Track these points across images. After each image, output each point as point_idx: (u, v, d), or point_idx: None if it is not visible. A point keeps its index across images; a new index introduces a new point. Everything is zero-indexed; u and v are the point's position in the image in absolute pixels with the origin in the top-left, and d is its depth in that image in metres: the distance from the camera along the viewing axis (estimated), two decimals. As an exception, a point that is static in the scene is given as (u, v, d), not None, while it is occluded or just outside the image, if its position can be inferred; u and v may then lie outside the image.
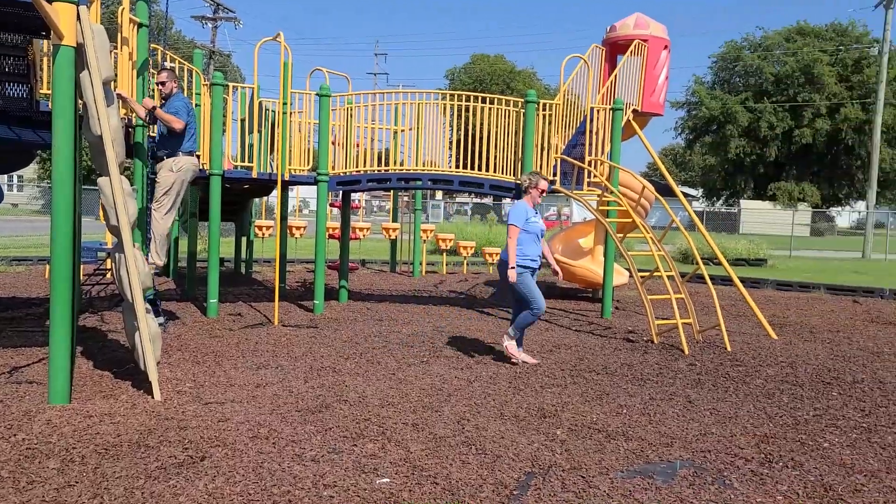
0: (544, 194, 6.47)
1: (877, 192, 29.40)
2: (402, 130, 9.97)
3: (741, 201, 50.83)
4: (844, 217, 54.39)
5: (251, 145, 8.81)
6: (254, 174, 8.65)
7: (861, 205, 46.10)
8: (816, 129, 46.19)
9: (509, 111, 9.04)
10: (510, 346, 6.35)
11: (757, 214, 41.44)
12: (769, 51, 49.56)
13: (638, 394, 5.44)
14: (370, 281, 12.76)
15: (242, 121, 9.40)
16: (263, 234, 13.24)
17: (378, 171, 9.38)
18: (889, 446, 4.36)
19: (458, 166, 9.19)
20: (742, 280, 9.44)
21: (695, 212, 15.39)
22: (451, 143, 9.84)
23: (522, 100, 8.88)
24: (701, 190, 60.22)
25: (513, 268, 6.07)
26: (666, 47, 10.13)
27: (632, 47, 9.79)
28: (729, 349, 7.29)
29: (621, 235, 8.57)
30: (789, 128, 47.31)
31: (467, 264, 15.50)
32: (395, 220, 14.52)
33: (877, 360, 7.05)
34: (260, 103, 8.82)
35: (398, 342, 7.19)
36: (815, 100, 46.09)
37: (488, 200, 46.86)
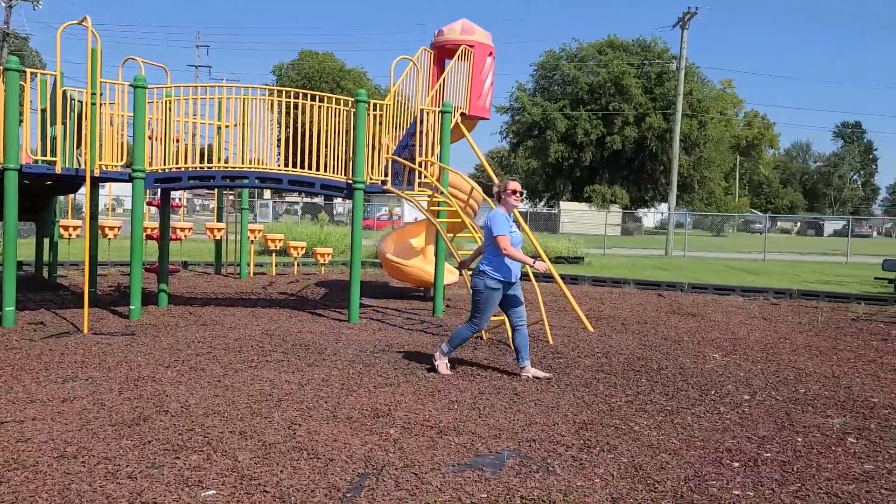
0: (518, 195, 6.04)
1: (676, 195, 32.43)
2: (227, 126, 9.55)
3: (561, 203, 54.05)
4: (650, 218, 59.48)
5: (54, 138, 8.03)
6: (57, 169, 7.89)
7: (664, 206, 50.72)
8: (625, 137, 50.13)
9: (340, 110, 8.95)
10: (441, 364, 6.06)
11: (575, 215, 44.23)
12: (584, 62, 53.09)
13: (468, 389, 5.58)
14: (193, 284, 12.11)
15: (43, 111, 8.55)
16: (70, 235, 12.12)
17: (201, 168, 8.91)
18: (689, 426, 4.80)
19: (287, 165, 8.95)
20: (562, 277, 10.02)
21: (519, 212, 16.11)
22: (279, 140, 9.56)
23: (353, 99, 8.82)
24: (525, 192, 63.33)
25: (535, 257, 6.08)
26: (491, 53, 10.51)
27: (459, 52, 10.06)
28: (551, 342, 7.69)
29: (451, 235, 8.78)
30: (602, 134, 50.93)
31: (298, 265, 15.17)
32: (220, 219, 13.88)
33: (678, 348, 7.75)
34: (64, 92, 8.06)
35: (224, 347, 6.87)
36: (624, 109, 50.00)
37: (320, 200, 46.20)
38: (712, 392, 5.75)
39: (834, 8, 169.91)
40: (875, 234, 67.40)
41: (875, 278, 16.62)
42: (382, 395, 5.30)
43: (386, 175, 9.14)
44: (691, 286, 13.97)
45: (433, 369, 6.12)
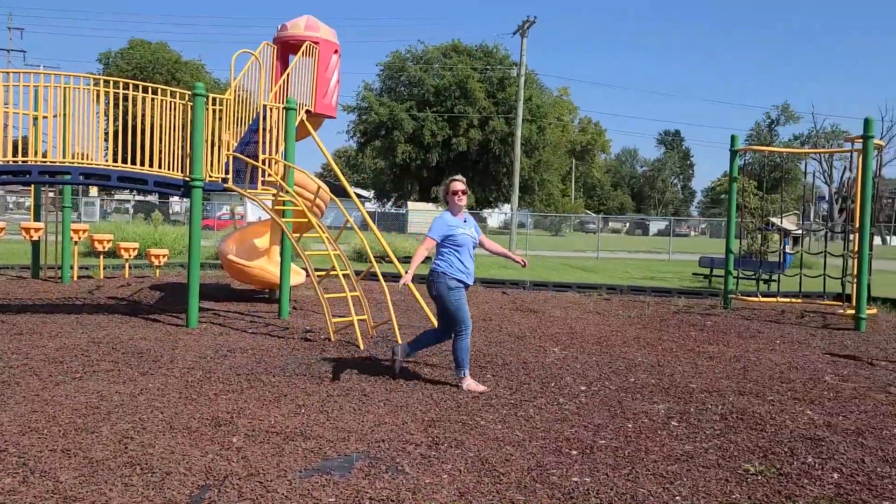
0: (463, 195, 5.73)
1: (518, 196, 33.78)
2: (45, 117, 8.74)
3: (408, 203, 54.56)
4: (494, 218, 61.50)
5: None
6: None
7: (507, 207, 52.63)
8: (470, 139, 51.51)
9: (176, 103, 8.46)
10: (471, 384, 5.68)
11: (423, 215, 44.78)
12: (430, 64, 53.96)
13: (316, 392, 5.47)
14: (6, 289, 10.98)
15: None
16: None
17: (14, 162, 8.08)
18: (531, 418, 4.99)
19: (116, 160, 8.33)
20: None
21: (367, 212, 16.06)
22: (107, 134, 8.88)
23: (190, 92, 8.37)
24: (373, 191, 63.33)
25: (407, 273, 5.41)
26: (336, 51, 10.38)
27: (303, 48, 9.84)
28: (400, 342, 7.72)
29: (297, 235, 8.58)
30: (448, 136, 52.00)
31: (130, 267, 14.18)
32: (37, 218, 12.69)
33: (521, 343, 8.05)
34: None
35: (43, 358, 6.28)
36: (468, 112, 51.37)
37: (154, 198, 43.56)
38: (552, 384, 6.02)
39: (655, 29, 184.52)
40: (693, 233, 73.89)
41: (693, 274, 18.23)
42: (224, 403, 5.07)
43: (227, 173, 8.77)
44: (533, 284, 14.59)
45: (461, 389, 5.66)
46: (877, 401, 5.79)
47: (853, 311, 10.08)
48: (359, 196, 45.27)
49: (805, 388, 6.14)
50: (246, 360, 6.54)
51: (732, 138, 11.96)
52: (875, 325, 10.20)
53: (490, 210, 58.51)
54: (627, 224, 77.70)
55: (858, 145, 10.48)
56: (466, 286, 5.71)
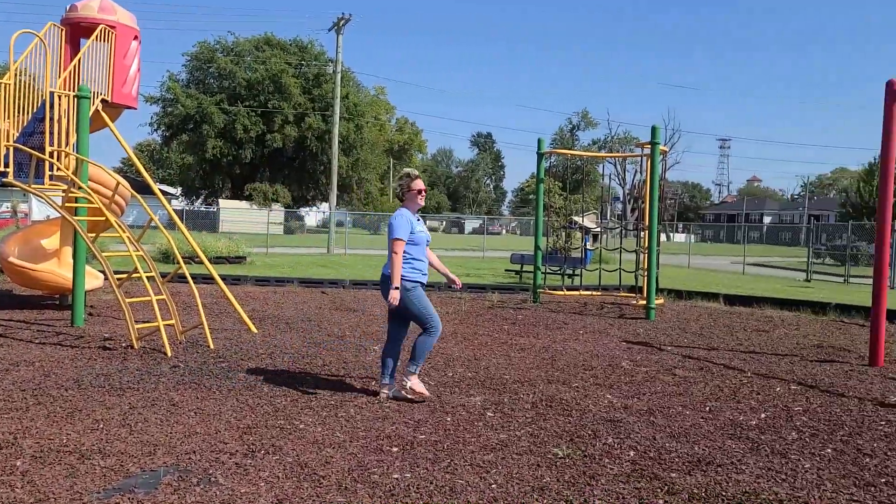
0: (423, 194, 5.46)
1: (336, 195, 33.48)
2: None
3: (220, 200, 52.17)
4: (312, 217, 60.55)
5: None
6: None
7: (325, 206, 52.01)
8: (286, 135, 50.26)
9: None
10: (416, 384, 5.40)
11: (235, 213, 43.06)
12: (241, 56, 51.92)
13: (117, 405, 5.03)
14: None
15: None
16: None
17: None
18: (352, 418, 4.94)
19: None
20: (223, 277, 9.62)
21: (174, 210, 15.10)
22: None
23: (-40, 73, 7.37)
24: (180, 188, 59.78)
25: (396, 288, 5.13)
26: (136, 37, 9.63)
27: (97, 32, 9.02)
28: (212, 347, 7.33)
29: (93, 235, 7.85)
30: (262, 132, 50.38)
31: None
32: None
33: (342, 343, 7.97)
34: None
35: None
36: (284, 107, 50.09)
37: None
38: (373, 383, 6.01)
39: (471, 32, 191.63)
40: (504, 231, 77.56)
41: (505, 270, 19.10)
42: (6, 423, 4.51)
43: (6, 166, 7.83)
44: (352, 282, 14.51)
45: (402, 398, 5.44)
46: (665, 382, 6.39)
47: (644, 302, 11.07)
48: (164, 193, 42.41)
49: (605, 374, 6.64)
50: (32, 374, 5.87)
51: (539, 141, 12.66)
52: (662, 314, 11.29)
53: (308, 209, 57.53)
54: (444, 222, 79.91)
55: (647, 150, 11.53)
56: (423, 285, 5.47)
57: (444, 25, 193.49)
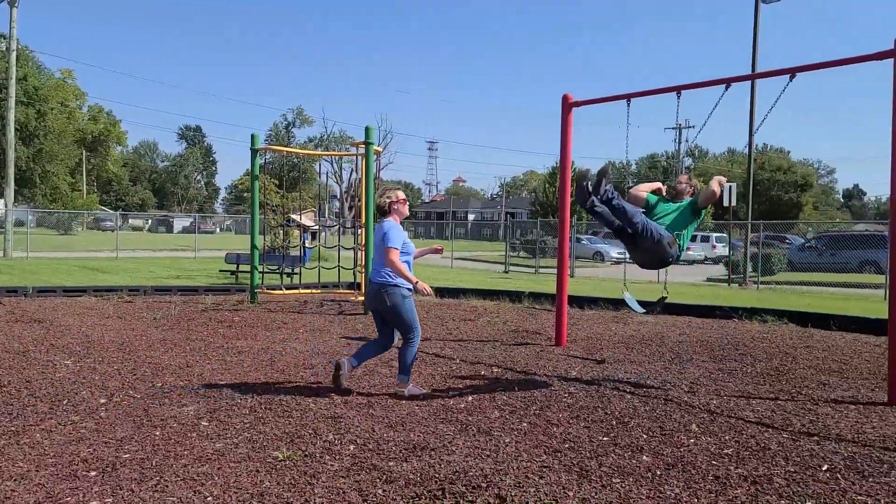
0: (407, 202, 5.94)
1: (15, 190, 29.16)
2: None
3: None
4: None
5: None
6: None
7: (1, 203, 45.11)
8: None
9: None
10: (412, 390, 5.77)
11: None
12: None
13: None
14: None
15: None
16: None
17: None
18: (38, 444, 4.33)
19: None
20: None
21: None
22: None
23: None
24: None
25: (417, 283, 5.62)
26: None
27: None
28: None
29: None
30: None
31: None
32: None
33: (24, 359, 6.95)
34: None
35: None
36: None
37: None
38: (65, 402, 5.34)
39: (173, 23, 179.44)
40: (218, 229, 74.24)
41: (220, 270, 18.28)
42: None
43: None
44: (37, 290, 12.77)
45: (404, 397, 5.68)
46: (382, 375, 6.60)
47: (363, 298, 11.35)
48: None
49: (326, 372, 6.66)
50: None
51: (252, 137, 12.31)
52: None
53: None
54: (150, 221, 74.16)
55: (362, 150, 11.82)
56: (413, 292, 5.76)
57: (148, 7, 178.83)
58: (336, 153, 46.02)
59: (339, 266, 12.70)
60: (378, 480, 3.87)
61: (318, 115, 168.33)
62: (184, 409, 5.22)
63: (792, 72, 6.40)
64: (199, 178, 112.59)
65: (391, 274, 5.61)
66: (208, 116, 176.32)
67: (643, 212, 6.28)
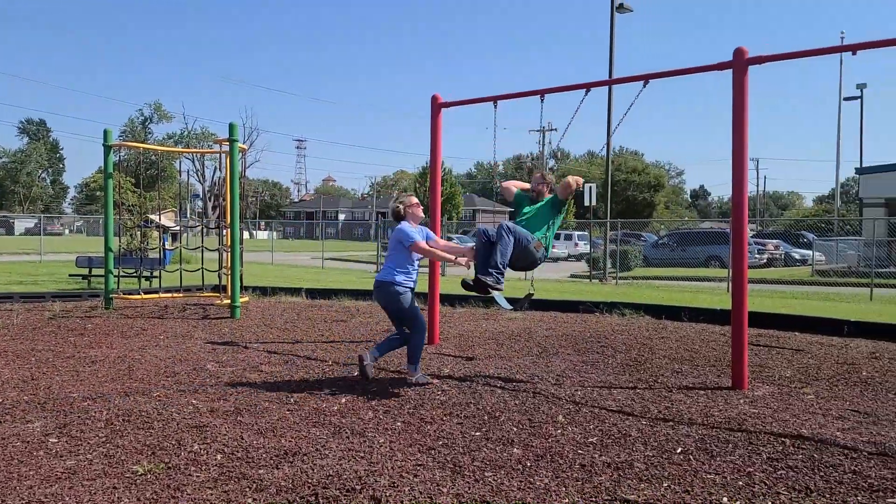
0: (420, 206, 6.46)
1: None
2: None
3: None
4: None
5: None
6: None
7: None
8: None
9: None
10: (419, 378, 6.21)
11: None
12: None
13: None
14: None
15: None
16: None
17: None
18: None
19: None
20: None
21: None
22: None
23: None
24: None
25: (463, 255, 6.35)
26: None
27: None
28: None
29: None
30: None
31: None
32: None
33: None
34: None
35: None
36: None
37: None
38: None
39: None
40: (67, 231, 69.13)
41: (70, 275, 16.99)
42: None
43: None
44: None
45: (401, 386, 6.12)
46: (251, 380, 6.39)
47: (229, 301, 10.93)
48: None
49: (190, 379, 6.36)
50: None
51: (105, 133, 11.55)
52: (248, 312, 11.29)
53: None
54: (-13, 223, 67.86)
55: (226, 147, 11.38)
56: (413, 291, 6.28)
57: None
58: (198, 150, 44.16)
59: (202, 268, 12.17)
60: (248, 489, 3.73)
61: (178, 110, 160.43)
62: (29, 426, 4.80)
63: (645, 78, 6.79)
64: (43, 175, 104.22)
65: (400, 273, 6.13)
66: (54, 109, 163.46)
67: (511, 213, 6.76)
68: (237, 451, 4.34)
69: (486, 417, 5.17)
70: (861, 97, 44.64)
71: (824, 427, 4.96)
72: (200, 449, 4.38)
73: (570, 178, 6.64)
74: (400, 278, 6.13)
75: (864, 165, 34.67)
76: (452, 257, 6.29)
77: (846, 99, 45.84)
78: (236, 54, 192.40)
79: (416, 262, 6.28)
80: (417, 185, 51.40)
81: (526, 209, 6.79)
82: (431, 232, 6.56)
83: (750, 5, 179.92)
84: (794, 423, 5.06)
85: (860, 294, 16.08)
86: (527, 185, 7.11)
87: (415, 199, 6.43)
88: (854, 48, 5.90)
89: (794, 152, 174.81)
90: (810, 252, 28.03)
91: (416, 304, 6.27)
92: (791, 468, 4.11)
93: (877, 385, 6.37)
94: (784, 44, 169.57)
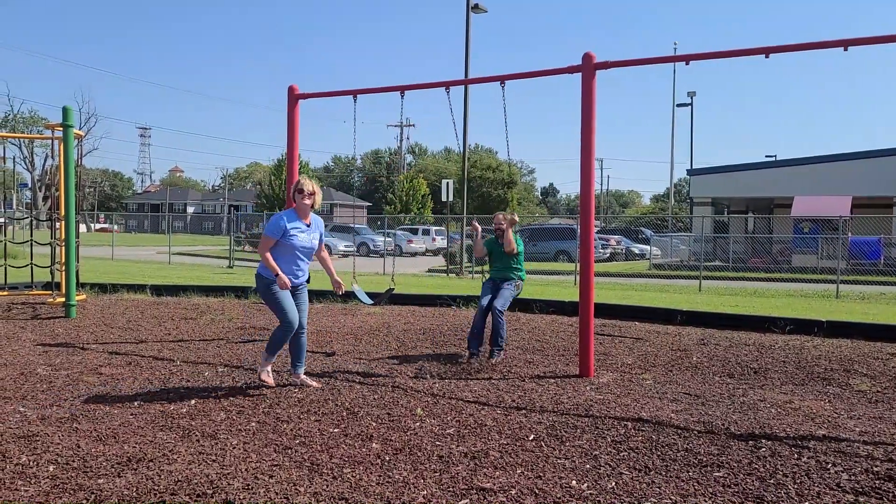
0: (308, 195, 5.62)
1: None
2: None
3: None
4: None
5: None
6: None
7: None
8: None
9: None
10: (265, 375, 5.73)
11: None
12: None
13: None
14: None
15: None
16: None
17: None
18: None
19: None
20: None
21: None
22: None
23: None
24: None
25: (276, 275, 5.50)
26: None
27: None
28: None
29: None
30: None
31: None
32: None
33: None
34: None
35: None
36: None
37: None
38: None
39: None
40: None
41: None
42: None
43: None
44: None
45: (256, 386, 5.81)
46: (90, 384, 5.93)
47: (63, 299, 10.09)
48: None
49: (17, 385, 5.81)
50: None
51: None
52: (85, 311, 10.48)
53: None
54: None
55: (59, 133, 10.49)
56: (296, 286, 5.78)
57: None
58: (27, 136, 40.39)
59: (31, 264, 11.16)
60: (85, 501, 3.46)
61: (2, 92, 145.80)
62: None
63: (501, 79, 6.99)
64: None
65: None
66: None
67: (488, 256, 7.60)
68: (73, 461, 4.01)
69: (344, 413, 5.12)
70: (692, 104, 48.54)
71: (661, 410, 5.34)
72: (29, 461, 4.01)
73: (499, 215, 7.44)
74: (260, 269, 5.69)
75: (694, 167, 37.76)
76: (276, 269, 5.50)
77: (679, 105, 49.63)
78: (77, 35, 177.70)
79: (298, 256, 5.69)
80: (273, 178, 49.99)
81: (496, 253, 7.45)
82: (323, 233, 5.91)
83: (599, 13, 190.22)
84: (635, 408, 5.40)
85: (691, 286, 17.50)
86: (481, 245, 7.62)
87: (308, 187, 5.64)
88: (687, 58, 6.39)
89: (635, 153, 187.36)
90: (648, 247, 30.18)
91: (285, 301, 5.61)
92: (632, 449, 4.39)
93: (705, 369, 6.95)
94: (631, 51, 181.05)
